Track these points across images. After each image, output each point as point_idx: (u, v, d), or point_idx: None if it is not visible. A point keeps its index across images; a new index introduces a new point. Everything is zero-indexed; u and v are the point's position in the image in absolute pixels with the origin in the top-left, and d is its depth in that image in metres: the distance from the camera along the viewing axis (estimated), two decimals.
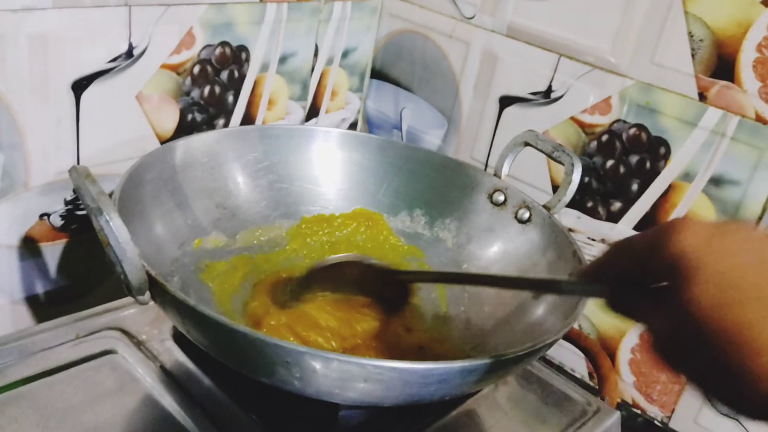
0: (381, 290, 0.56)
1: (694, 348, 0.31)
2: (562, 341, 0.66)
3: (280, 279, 0.58)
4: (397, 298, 0.57)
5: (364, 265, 0.56)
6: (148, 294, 0.42)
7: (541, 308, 0.55)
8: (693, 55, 0.62)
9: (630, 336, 0.70)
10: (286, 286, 0.57)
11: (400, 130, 0.86)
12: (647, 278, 0.34)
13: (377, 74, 0.87)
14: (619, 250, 0.36)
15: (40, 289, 0.64)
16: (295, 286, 0.56)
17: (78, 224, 0.64)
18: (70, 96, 0.59)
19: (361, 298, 0.56)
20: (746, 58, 0.60)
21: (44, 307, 0.65)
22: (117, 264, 0.40)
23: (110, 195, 0.48)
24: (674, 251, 0.32)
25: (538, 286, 0.47)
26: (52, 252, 0.64)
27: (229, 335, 0.40)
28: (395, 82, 0.85)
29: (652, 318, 0.34)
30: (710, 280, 0.31)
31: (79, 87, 0.59)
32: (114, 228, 0.38)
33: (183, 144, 0.59)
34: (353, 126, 0.88)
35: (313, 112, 0.81)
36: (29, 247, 0.62)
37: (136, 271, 0.40)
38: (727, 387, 0.31)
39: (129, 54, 0.61)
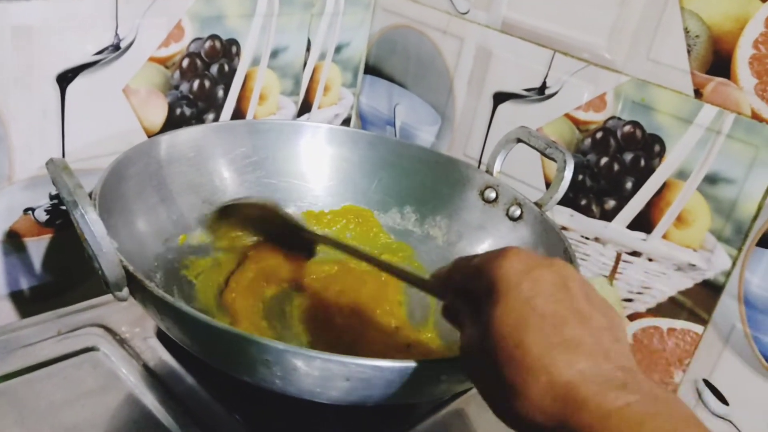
0: (288, 240, 0.59)
1: (485, 361, 0.34)
2: None
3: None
4: (300, 252, 0.60)
5: (276, 211, 0.59)
6: (126, 290, 0.41)
7: None
8: (689, 52, 0.61)
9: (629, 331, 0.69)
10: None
11: (394, 126, 0.85)
12: (474, 294, 0.37)
13: (371, 70, 0.86)
14: (458, 264, 0.40)
15: (24, 284, 0.63)
16: (211, 221, 0.59)
17: (63, 219, 0.63)
18: (55, 89, 0.58)
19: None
20: (743, 55, 0.59)
21: (28, 303, 0.64)
22: (93, 259, 0.39)
23: (92, 190, 0.48)
24: (495, 274, 0.35)
25: (409, 279, 0.49)
26: (37, 247, 0.63)
27: (209, 332, 0.39)
28: (389, 78, 0.84)
29: (465, 329, 0.37)
30: (514, 304, 0.34)
31: (65, 79, 0.58)
32: (89, 222, 0.38)
33: (168, 138, 0.58)
34: (346, 122, 0.87)
35: (305, 108, 0.80)
36: (13, 241, 0.61)
37: (112, 267, 0.39)
38: (501, 401, 0.34)
39: (116, 46, 0.60)
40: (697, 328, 0.63)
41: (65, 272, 0.65)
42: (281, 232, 0.59)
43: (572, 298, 0.35)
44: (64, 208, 0.62)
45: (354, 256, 0.56)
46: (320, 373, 0.39)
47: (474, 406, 0.55)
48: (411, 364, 0.39)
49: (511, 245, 0.38)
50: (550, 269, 0.36)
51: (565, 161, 0.57)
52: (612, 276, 0.69)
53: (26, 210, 0.61)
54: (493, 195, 0.63)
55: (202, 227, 0.60)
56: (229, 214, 0.59)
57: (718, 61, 0.60)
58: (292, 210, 0.65)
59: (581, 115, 0.68)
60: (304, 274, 0.59)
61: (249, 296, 0.56)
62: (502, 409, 0.34)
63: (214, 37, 0.67)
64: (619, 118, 0.66)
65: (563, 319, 0.34)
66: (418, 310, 0.60)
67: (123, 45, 0.60)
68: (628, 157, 0.66)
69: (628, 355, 0.35)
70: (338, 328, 0.55)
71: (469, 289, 0.38)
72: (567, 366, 0.32)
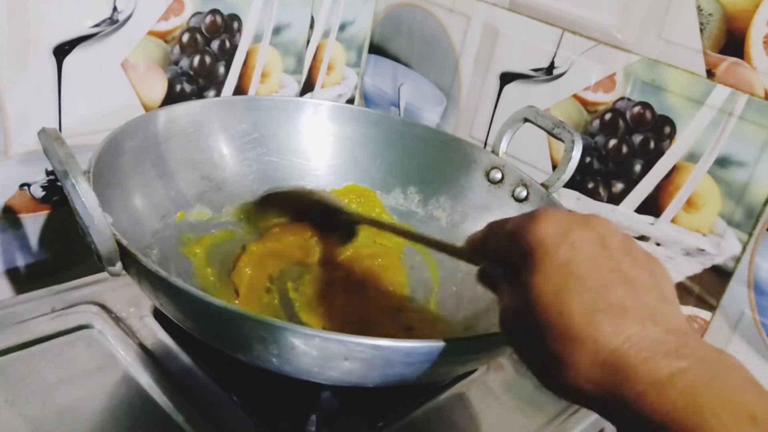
0: (327, 224, 0.58)
1: (526, 329, 0.33)
2: None
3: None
4: (342, 235, 0.59)
5: (314, 196, 0.59)
6: (119, 265, 0.40)
7: None
8: (701, 30, 0.59)
9: None
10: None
11: (398, 107, 0.83)
12: (510, 259, 0.36)
13: (375, 49, 0.84)
14: (492, 230, 0.38)
15: (20, 261, 0.62)
16: (250, 212, 0.59)
17: (60, 195, 0.62)
18: (52, 61, 0.57)
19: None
20: (757, 34, 0.57)
21: (24, 280, 0.63)
22: (85, 232, 0.38)
23: (88, 164, 0.46)
24: (531, 238, 0.34)
25: (445, 248, 0.48)
26: (33, 224, 0.62)
27: (203, 308, 0.38)
28: (394, 58, 0.83)
29: (503, 295, 0.36)
30: (554, 268, 0.32)
31: (61, 52, 0.57)
32: (81, 192, 0.36)
33: (167, 112, 0.57)
34: (350, 102, 0.85)
35: (308, 87, 0.79)
36: (9, 218, 0.60)
37: (104, 240, 0.38)
38: (546, 370, 0.33)
39: (113, 19, 0.59)
40: (705, 314, 0.62)
41: (62, 250, 0.64)
42: (321, 217, 0.58)
43: (613, 257, 0.33)
44: (60, 184, 0.61)
45: (393, 233, 0.55)
46: (318, 352, 0.37)
47: (475, 390, 0.54)
48: (411, 343, 0.37)
49: (545, 207, 0.36)
50: (587, 229, 0.34)
51: (573, 141, 0.56)
52: None
53: (22, 185, 0.59)
54: (498, 175, 0.62)
55: (243, 218, 0.60)
56: (269, 204, 0.59)
57: (731, 41, 0.58)
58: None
59: (590, 96, 0.67)
60: (311, 255, 0.59)
61: (256, 273, 0.55)
62: (548, 378, 0.33)
63: (215, 11, 0.65)
64: (629, 99, 0.64)
65: (605, 282, 0.32)
66: (420, 292, 0.58)
67: (121, 18, 0.59)
68: (638, 139, 0.64)
69: (678, 315, 0.33)
70: (338, 309, 0.54)
71: (504, 254, 0.36)
72: (613, 333, 0.30)
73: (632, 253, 0.34)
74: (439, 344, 0.37)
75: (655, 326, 0.31)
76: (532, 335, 0.32)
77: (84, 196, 0.37)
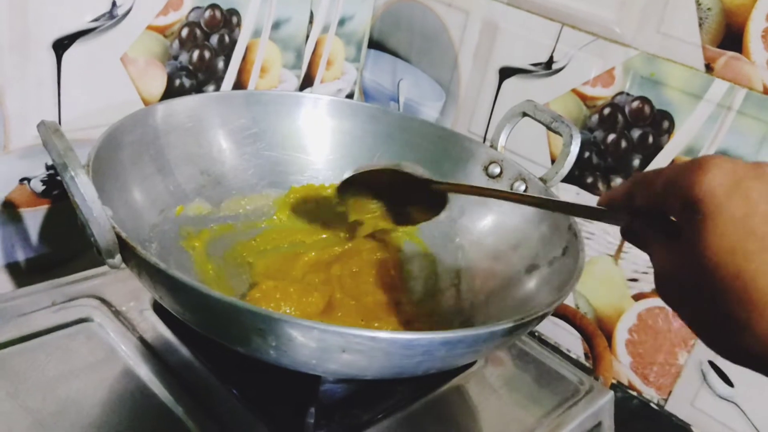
0: (416, 198, 0.56)
1: (695, 290, 0.30)
2: (557, 321, 0.64)
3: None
4: (432, 206, 0.56)
5: (399, 173, 0.55)
6: (119, 257, 0.40)
7: (534, 282, 0.53)
8: (700, 25, 0.60)
9: (627, 316, 0.68)
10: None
11: (398, 102, 0.83)
12: (665, 212, 0.33)
13: (375, 44, 0.84)
14: (640, 183, 0.35)
15: (20, 256, 0.62)
16: (336, 193, 0.58)
17: (60, 190, 0.62)
18: (51, 56, 0.57)
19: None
20: (755, 28, 0.57)
21: (25, 274, 0.63)
22: (85, 224, 0.38)
23: (87, 158, 0.47)
24: (698, 191, 0.30)
25: (575, 211, 0.45)
26: (33, 218, 0.62)
27: (201, 300, 0.38)
28: (393, 53, 0.83)
29: (661, 254, 0.33)
30: (728, 225, 0.29)
31: (61, 47, 0.57)
32: (80, 185, 0.36)
33: (165, 106, 0.57)
34: (350, 97, 0.85)
35: (307, 82, 0.79)
36: (9, 212, 0.60)
37: (104, 232, 0.38)
38: (719, 334, 0.30)
39: (113, 14, 0.59)
40: None
41: (62, 244, 0.65)
42: (408, 191, 0.56)
43: None
44: (60, 177, 0.61)
45: (493, 196, 0.51)
46: (316, 344, 0.37)
47: (473, 383, 0.54)
48: (408, 335, 0.38)
49: (709, 154, 0.33)
50: (762, 180, 0.30)
51: (571, 135, 0.56)
52: (617, 255, 0.68)
53: (22, 180, 0.60)
54: (497, 170, 0.62)
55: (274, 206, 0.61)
56: (355, 185, 0.57)
57: (730, 35, 0.58)
58: (293, 182, 0.64)
59: (589, 91, 0.67)
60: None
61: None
62: (722, 344, 0.31)
63: (214, 6, 0.65)
64: (628, 94, 0.64)
65: None
66: (419, 285, 0.59)
67: (120, 12, 0.59)
68: (636, 133, 0.65)
69: None
70: (338, 303, 0.54)
71: (658, 207, 0.33)
72: None
73: None
74: (437, 336, 0.38)
75: None
76: (703, 298, 0.30)
77: (83, 189, 0.37)
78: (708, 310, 0.30)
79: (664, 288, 0.33)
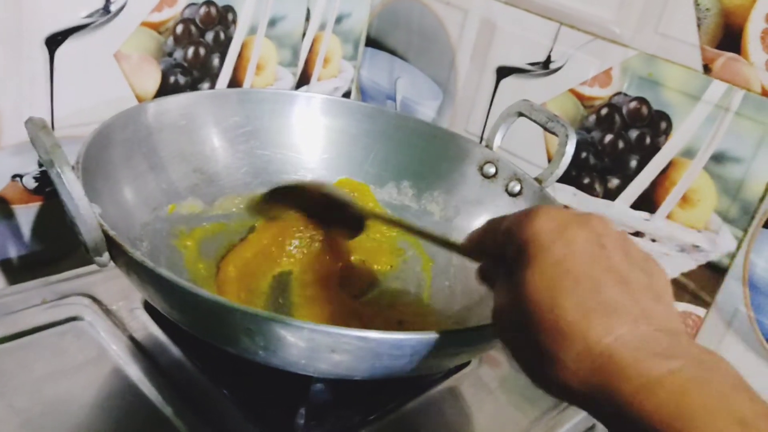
0: (337, 218, 0.57)
1: (519, 324, 0.33)
2: None
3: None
4: (350, 228, 0.57)
5: (323, 190, 0.58)
6: (107, 255, 0.40)
7: None
8: (699, 25, 0.59)
9: None
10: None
11: (395, 100, 0.83)
12: (507, 256, 0.35)
13: (372, 42, 0.84)
14: (490, 227, 0.38)
15: (12, 253, 0.62)
16: (258, 204, 0.59)
17: (52, 187, 0.61)
18: (44, 52, 0.56)
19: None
20: (754, 29, 0.56)
21: (17, 271, 0.63)
22: (72, 222, 0.38)
23: (77, 156, 0.46)
24: (525, 236, 0.33)
25: (445, 244, 0.48)
26: (26, 215, 0.61)
27: (189, 299, 0.38)
28: (391, 51, 0.82)
29: (499, 292, 0.36)
30: (548, 265, 0.32)
31: (54, 42, 0.56)
32: (66, 182, 0.36)
33: (157, 104, 0.56)
34: (347, 96, 0.85)
35: (304, 80, 0.78)
36: (1, 208, 0.60)
37: (90, 230, 0.38)
38: (537, 366, 0.32)
39: (106, 9, 0.58)
40: (700, 311, 0.61)
41: (55, 242, 0.64)
42: (329, 210, 0.57)
43: (608, 257, 0.32)
44: None
45: (401, 229, 0.56)
46: (305, 344, 0.37)
47: (467, 384, 0.54)
48: (397, 335, 0.37)
49: (543, 205, 0.36)
50: (585, 227, 0.33)
51: (567, 135, 0.55)
52: None
53: (14, 176, 0.59)
54: (492, 170, 0.61)
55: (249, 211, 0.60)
56: (276, 199, 0.59)
57: (728, 36, 0.58)
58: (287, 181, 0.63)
59: (586, 91, 0.67)
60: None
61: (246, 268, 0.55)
62: (538, 375, 0.33)
63: (209, 2, 0.65)
64: (626, 94, 0.64)
65: (599, 281, 0.31)
66: (413, 286, 0.58)
67: (114, 8, 0.59)
68: (634, 134, 0.64)
69: (672, 315, 0.32)
70: (329, 303, 0.53)
71: (500, 252, 0.36)
72: (604, 332, 0.30)
73: (629, 253, 0.34)
74: (427, 336, 0.37)
75: (648, 326, 0.31)
76: (523, 331, 0.32)
77: (69, 186, 0.36)
78: (527, 342, 0.32)
79: (497, 323, 0.35)
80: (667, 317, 0.32)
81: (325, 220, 0.58)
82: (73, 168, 0.37)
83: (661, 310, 0.32)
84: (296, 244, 0.58)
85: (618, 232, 0.35)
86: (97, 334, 0.50)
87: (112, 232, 0.39)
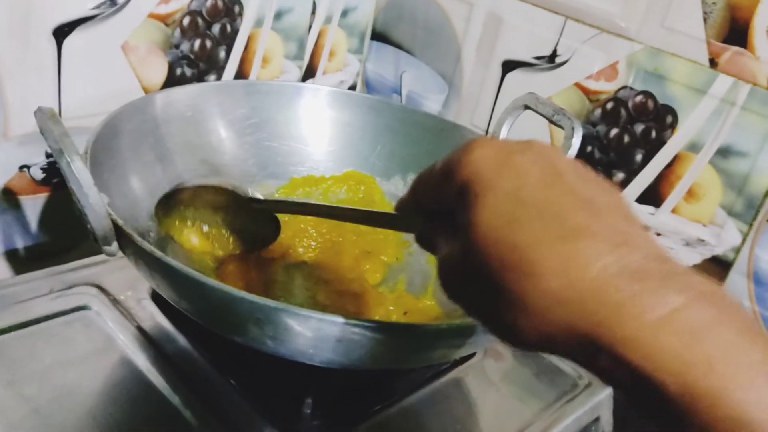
0: (246, 221, 0.51)
1: (475, 274, 0.27)
2: None
3: None
4: (264, 230, 0.52)
5: (227, 191, 0.50)
6: (115, 245, 0.40)
7: None
8: (705, 19, 0.59)
9: None
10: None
11: (400, 94, 0.83)
12: (447, 205, 0.30)
13: (378, 36, 0.84)
14: (420, 178, 0.33)
15: (19, 243, 0.62)
16: (158, 208, 0.51)
17: (59, 178, 0.62)
18: (52, 43, 0.56)
19: None
20: (761, 23, 0.56)
21: (24, 262, 0.63)
22: (81, 211, 0.38)
23: (85, 146, 0.46)
24: (467, 172, 0.28)
25: (375, 221, 0.43)
26: (33, 206, 0.62)
27: (198, 289, 0.38)
28: (396, 45, 0.82)
29: (444, 249, 0.31)
30: (499, 200, 0.27)
31: (61, 33, 0.57)
32: (76, 171, 0.36)
33: (165, 95, 0.56)
34: (352, 89, 0.85)
35: (309, 73, 0.78)
36: (8, 199, 0.60)
37: (100, 219, 0.38)
38: (500, 315, 0.27)
39: (114, 1, 0.58)
40: None
41: (62, 232, 0.64)
42: (236, 212, 0.51)
43: (564, 180, 0.28)
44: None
45: (310, 213, 0.50)
46: (312, 333, 0.37)
47: (472, 375, 0.54)
48: (403, 326, 0.37)
49: (469, 141, 0.30)
50: (531, 152, 0.29)
51: (573, 129, 0.55)
52: None
53: (22, 167, 0.59)
54: None
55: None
56: (176, 203, 0.51)
57: (734, 30, 0.58)
58: (293, 173, 0.63)
59: (592, 85, 0.67)
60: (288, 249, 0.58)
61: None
62: (501, 325, 0.27)
63: None
64: (631, 88, 0.64)
65: (562, 205, 0.27)
66: (418, 278, 0.58)
67: (121, 0, 0.59)
68: (639, 128, 0.64)
69: (651, 239, 0.27)
70: (334, 294, 0.54)
71: (439, 202, 0.31)
72: (585, 263, 0.25)
73: (583, 175, 0.29)
74: (433, 327, 0.37)
75: (633, 253, 0.25)
76: (482, 282, 0.27)
77: (79, 175, 0.37)
78: (488, 294, 0.27)
79: (446, 282, 0.30)
80: (647, 240, 0.27)
81: (235, 224, 0.51)
82: (81, 157, 0.37)
83: (638, 232, 0.27)
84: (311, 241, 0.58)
85: (566, 156, 0.31)
86: (105, 323, 0.50)
87: (121, 222, 0.39)
